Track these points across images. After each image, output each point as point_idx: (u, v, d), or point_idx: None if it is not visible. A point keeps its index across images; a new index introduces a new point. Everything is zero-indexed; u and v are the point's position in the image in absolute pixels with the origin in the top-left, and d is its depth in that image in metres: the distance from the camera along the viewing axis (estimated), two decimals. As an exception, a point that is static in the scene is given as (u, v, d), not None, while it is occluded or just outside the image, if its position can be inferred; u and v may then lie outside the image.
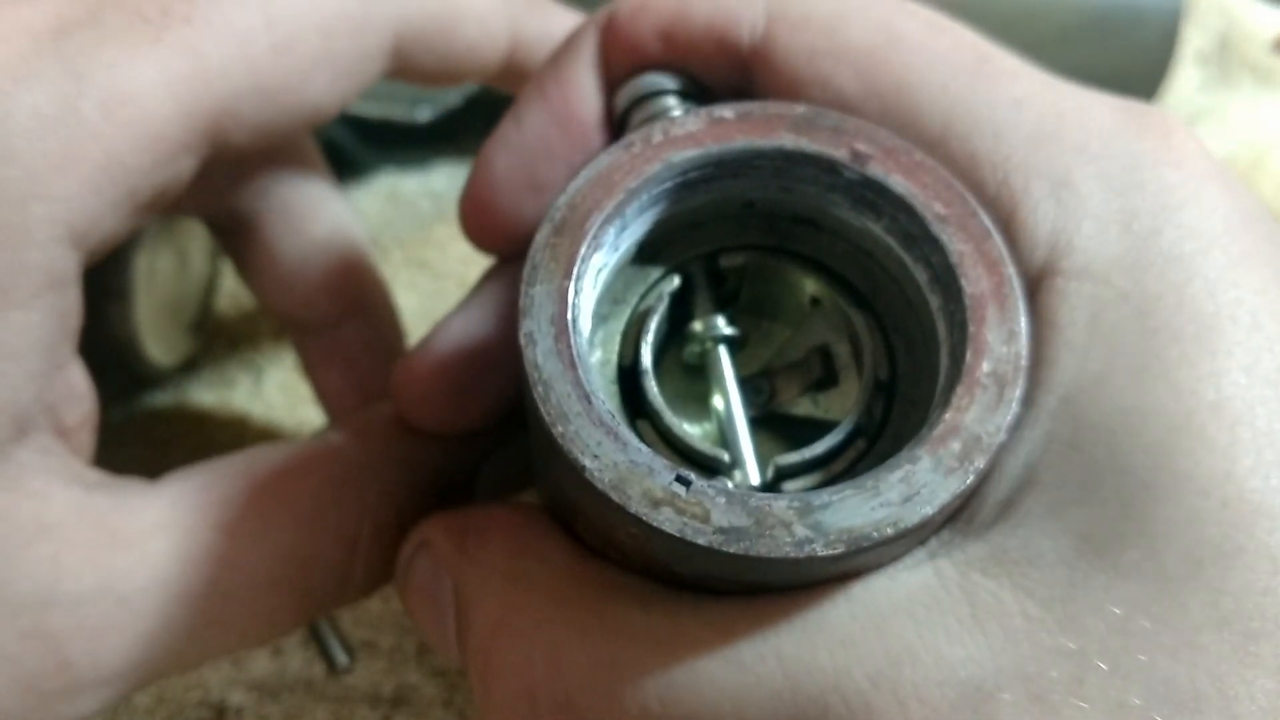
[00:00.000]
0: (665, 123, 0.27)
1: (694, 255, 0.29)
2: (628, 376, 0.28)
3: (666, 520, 0.23)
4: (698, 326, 0.28)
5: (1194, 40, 0.77)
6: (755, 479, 0.26)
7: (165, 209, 0.33)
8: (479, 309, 0.32)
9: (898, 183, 0.26)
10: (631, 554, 0.26)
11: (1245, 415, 0.24)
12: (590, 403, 0.24)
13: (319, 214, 0.40)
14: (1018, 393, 0.24)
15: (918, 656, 0.23)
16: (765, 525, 0.23)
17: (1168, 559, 0.23)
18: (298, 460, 0.33)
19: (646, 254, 0.29)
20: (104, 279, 0.46)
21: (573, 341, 0.25)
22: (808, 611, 0.24)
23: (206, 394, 0.53)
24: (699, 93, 0.30)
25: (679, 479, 0.23)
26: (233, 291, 0.58)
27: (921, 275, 0.26)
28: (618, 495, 0.23)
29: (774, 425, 0.28)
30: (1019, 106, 0.27)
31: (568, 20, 0.39)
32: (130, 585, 0.30)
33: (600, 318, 0.28)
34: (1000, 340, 0.24)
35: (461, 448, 0.34)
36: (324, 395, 0.42)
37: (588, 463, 0.23)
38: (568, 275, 0.25)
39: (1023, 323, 0.25)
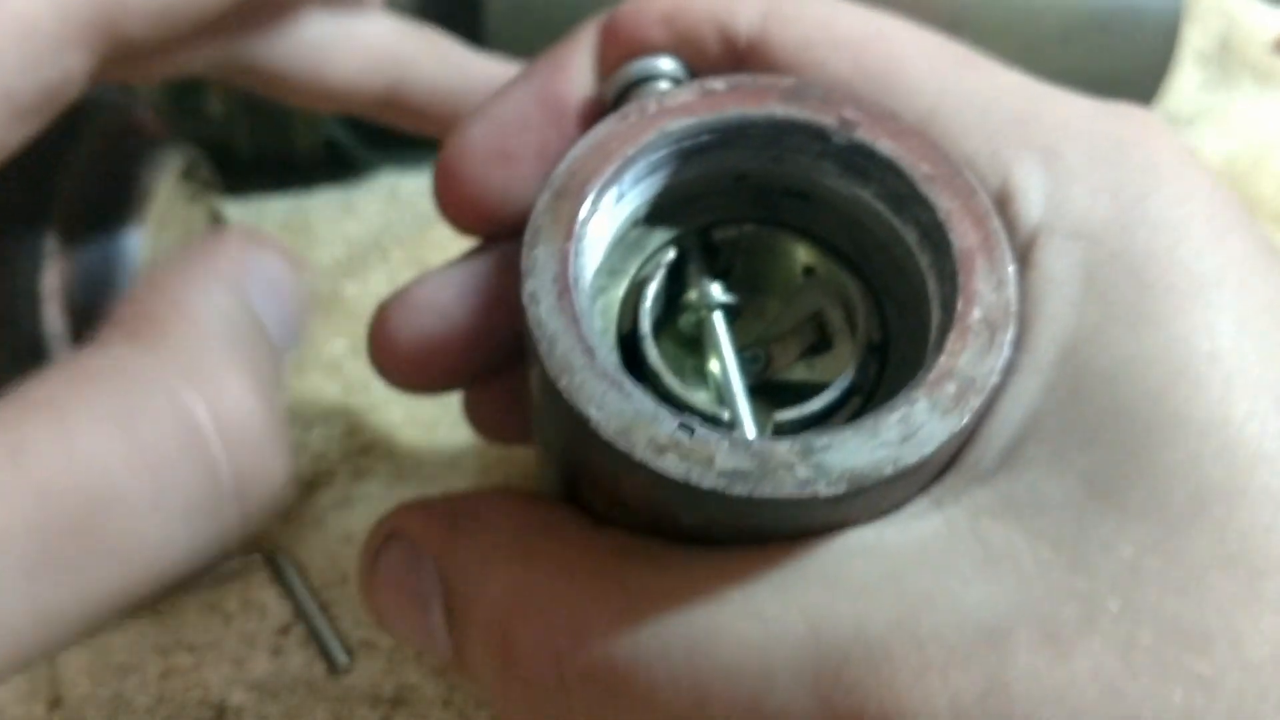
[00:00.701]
0: (659, 95, 0.28)
1: (689, 229, 0.30)
2: (627, 344, 0.28)
3: (672, 465, 0.23)
4: (693, 295, 0.29)
5: (1194, 40, 0.77)
6: (754, 436, 0.27)
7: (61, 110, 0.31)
8: (464, 270, 0.32)
9: (885, 146, 0.27)
10: (639, 508, 0.26)
11: (1239, 365, 0.25)
12: (593, 356, 0.25)
13: (350, 40, 0.39)
14: (1009, 336, 0.25)
15: (934, 601, 0.24)
16: (768, 467, 0.23)
17: (1173, 500, 0.24)
18: None
19: (643, 225, 0.29)
20: (104, 278, 0.46)
21: (575, 299, 0.25)
22: (825, 563, 0.25)
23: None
24: (691, 80, 0.31)
25: (683, 425, 0.24)
26: (232, 291, 0.58)
27: (911, 236, 0.27)
28: (623, 443, 0.24)
29: (771, 392, 0.29)
30: (1004, 90, 0.29)
31: (481, 68, 0.40)
32: None
33: (598, 288, 0.29)
34: (990, 288, 0.25)
35: None
36: None
37: (593, 413, 0.24)
38: (569, 237, 0.26)
39: (1010, 272, 0.26)
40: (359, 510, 0.48)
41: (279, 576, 0.45)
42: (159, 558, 0.25)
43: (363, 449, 0.51)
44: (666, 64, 0.30)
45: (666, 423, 0.24)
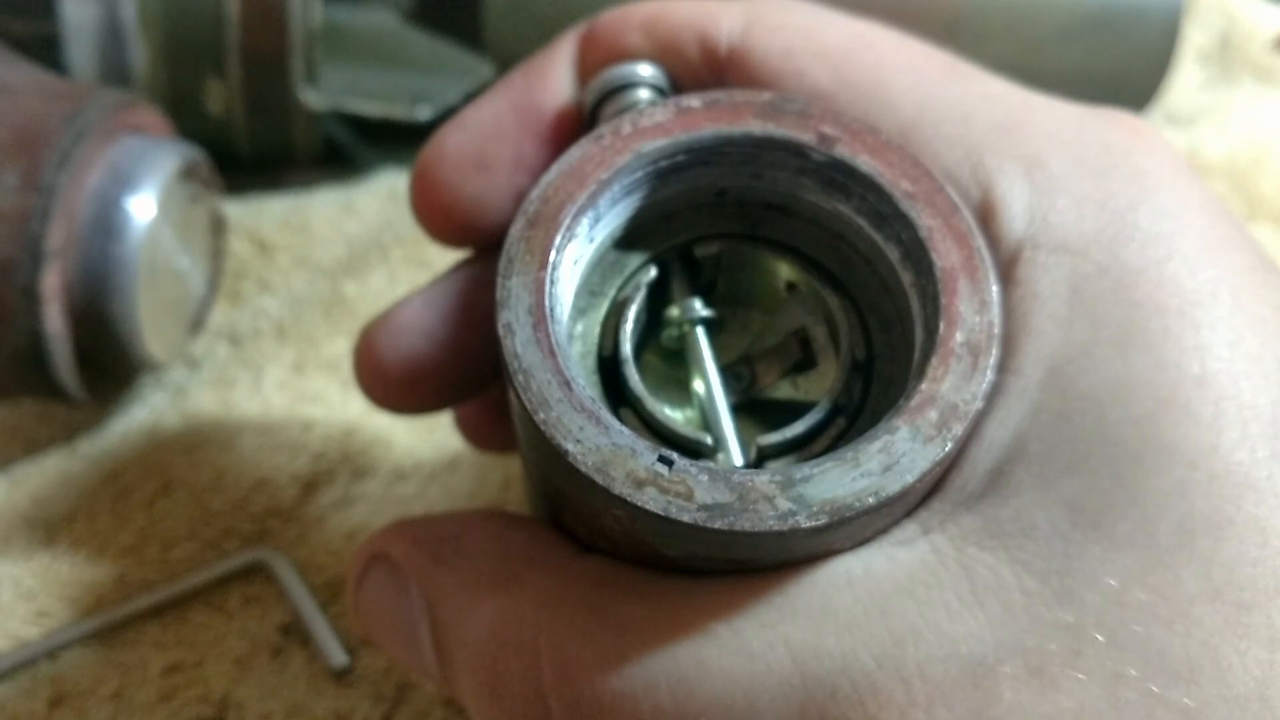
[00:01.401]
0: (634, 114, 0.27)
1: (669, 246, 0.29)
2: (608, 367, 0.28)
3: (651, 500, 0.23)
4: (674, 311, 0.29)
5: (1195, 39, 0.77)
6: (738, 460, 0.27)
7: None
8: (443, 293, 0.32)
9: (865, 163, 0.26)
10: (619, 540, 0.26)
11: (1230, 390, 0.24)
12: (570, 389, 0.24)
13: None
14: (992, 360, 0.25)
15: (920, 635, 0.24)
16: (748, 500, 0.23)
17: (1160, 530, 0.23)
18: None
19: (622, 246, 0.29)
20: (105, 278, 0.46)
21: (551, 330, 0.25)
22: (810, 595, 0.25)
23: (206, 393, 0.53)
24: (670, 89, 0.30)
25: (662, 459, 0.24)
26: (232, 290, 0.58)
27: (893, 253, 0.27)
28: (602, 478, 0.24)
29: (756, 410, 0.29)
30: (988, 100, 0.28)
31: None
32: None
33: (578, 310, 0.28)
34: (972, 310, 0.25)
35: None
36: None
37: (571, 447, 0.24)
38: (543, 266, 0.26)
39: (994, 293, 0.25)
40: (359, 509, 0.49)
41: (279, 575, 0.46)
42: None
43: (362, 448, 0.51)
44: (645, 70, 0.30)
45: (645, 456, 0.24)
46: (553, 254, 0.26)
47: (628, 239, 0.29)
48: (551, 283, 0.26)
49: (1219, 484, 0.24)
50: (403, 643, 0.30)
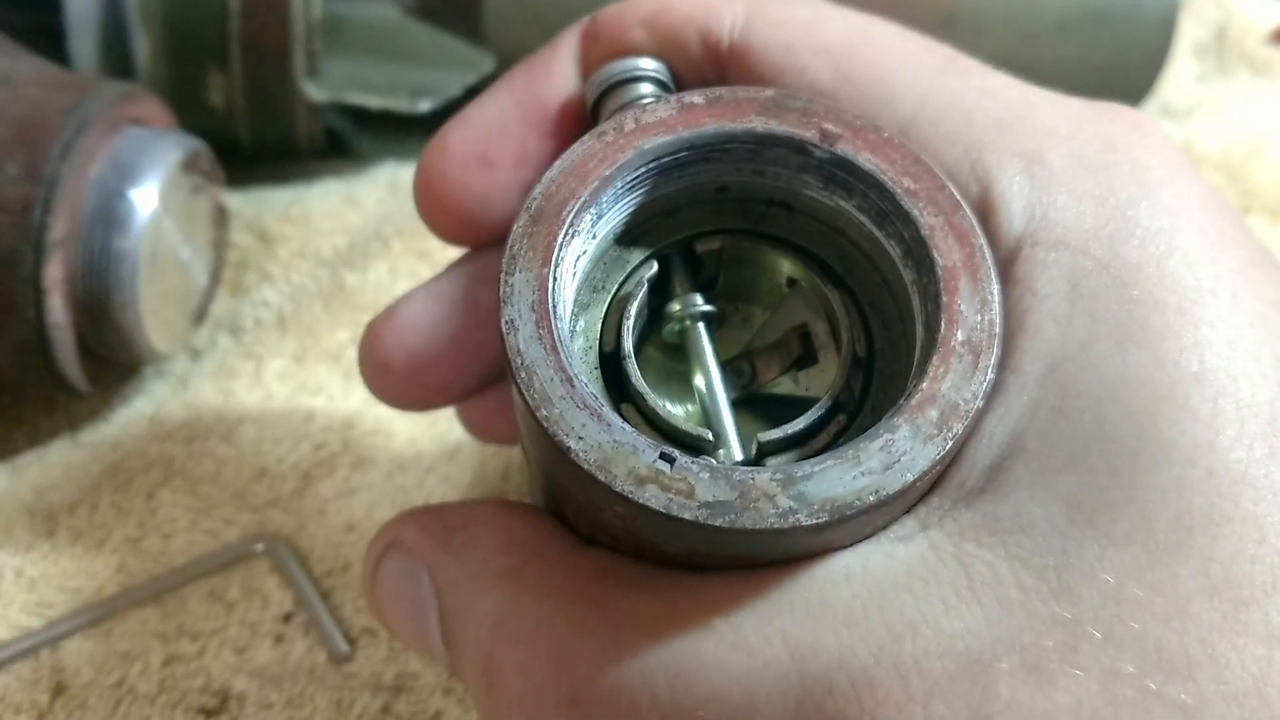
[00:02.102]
0: (637, 110, 0.27)
1: (671, 241, 0.29)
2: (610, 362, 0.28)
3: (652, 497, 0.23)
4: (675, 306, 0.28)
5: (1191, 32, 0.77)
6: (739, 456, 0.26)
7: None
8: (446, 289, 0.31)
9: (867, 160, 0.26)
10: (620, 535, 0.26)
11: (1228, 387, 0.24)
12: (573, 385, 0.24)
13: None
14: (993, 359, 0.24)
15: (918, 630, 0.23)
16: (749, 498, 0.23)
17: (1158, 527, 0.23)
18: None
19: (624, 241, 0.29)
20: (107, 269, 0.46)
21: (554, 327, 0.25)
22: (808, 590, 0.24)
23: (208, 384, 0.53)
24: (673, 83, 0.30)
25: (663, 456, 0.23)
26: (233, 281, 0.58)
27: (894, 250, 0.27)
28: (603, 475, 0.23)
29: (757, 405, 0.29)
30: (988, 95, 0.28)
31: None
32: None
33: (581, 306, 0.28)
34: (973, 309, 0.25)
35: None
36: None
37: (573, 444, 0.24)
38: (546, 262, 0.26)
39: (995, 291, 0.25)
40: (360, 499, 0.48)
41: (280, 565, 0.46)
42: None
43: (363, 438, 0.51)
44: (647, 64, 0.30)
45: (647, 453, 0.23)
46: (555, 251, 0.26)
47: (630, 235, 0.29)
48: (554, 279, 0.26)
49: (1216, 481, 0.23)
50: (413, 628, 0.30)
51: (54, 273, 0.45)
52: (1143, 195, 0.26)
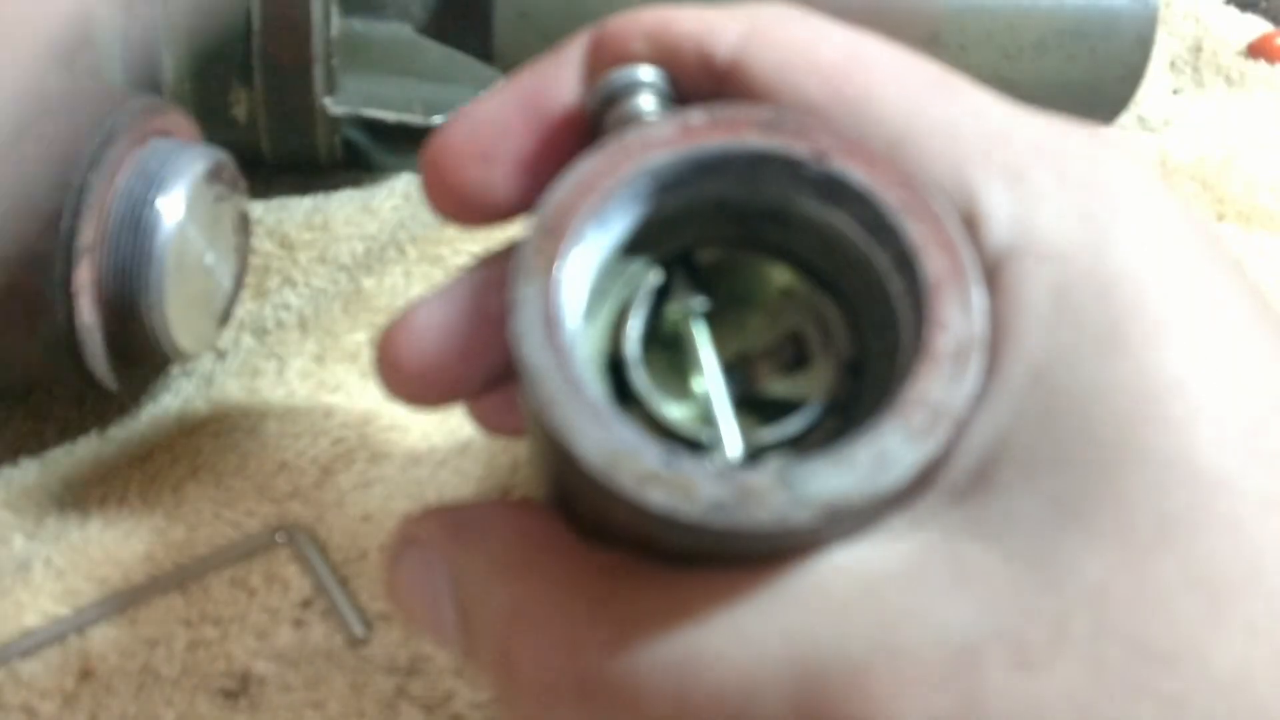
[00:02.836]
0: (640, 128, 0.27)
1: (672, 251, 0.29)
2: (614, 367, 0.28)
3: (654, 498, 0.23)
4: (675, 309, 0.28)
5: (1168, 46, 0.76)
6: (738, 457, 0.26)
7: None
8: (458, 292, 0.31)
9: (858, 175, 0.26)
10: (626, 532, 0.26)
11: (1206, 394, 0.24)
12: (579, 390, 0.24)
13: None
14: (977, 364, 0.24)
15: (910, 620, 0.23)
16: (747, 497, 0.23)
17: (1140, 525, 0.23)
18: None
19: (628, 252, 0.29)
20: (135, 273, 0.46)
21: (560, 334, 0.25)
22: (804, 583, 0.24)
23: (232, 382, 0.53)
24: (673, 93, 0.30)
25: (665, 458, 0.23)
26: (256, 285, 0.58)
27: (884, 261, 0.27)
28: (608, 477, 0.23)
29: (754, 407, 0.29)
30: (974, 115, 0.28)
31: None
32: None
33: (586, 313, 0.28)
34: (959, 316, 0.25)
35: None
36: None
37: (578, 447, 0.23)
38: (553, 272, 0.25)
39: (981, 299, 0.25)
40: (376, 491, 0.48)
41: (300, 553, 0.45)
42: None
43: (379, 434, 0.50)
44: (648, 74, 0.30)
45: (650, 455, 0.23)
46: (562, 261, 0.26)
47: (633, 246, 0.29)
48: (561, 289, 0.25)
49: (1196, 483, 0.23)
50: (431, 620, 0.30)
51: (83, 276, 0.44)
52: (1122, 211, 0.26)
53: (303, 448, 0.49)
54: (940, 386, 0.24)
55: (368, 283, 0.57)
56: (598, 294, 0.29)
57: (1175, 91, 0.75)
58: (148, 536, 0.46)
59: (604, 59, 0.30)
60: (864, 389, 0.28)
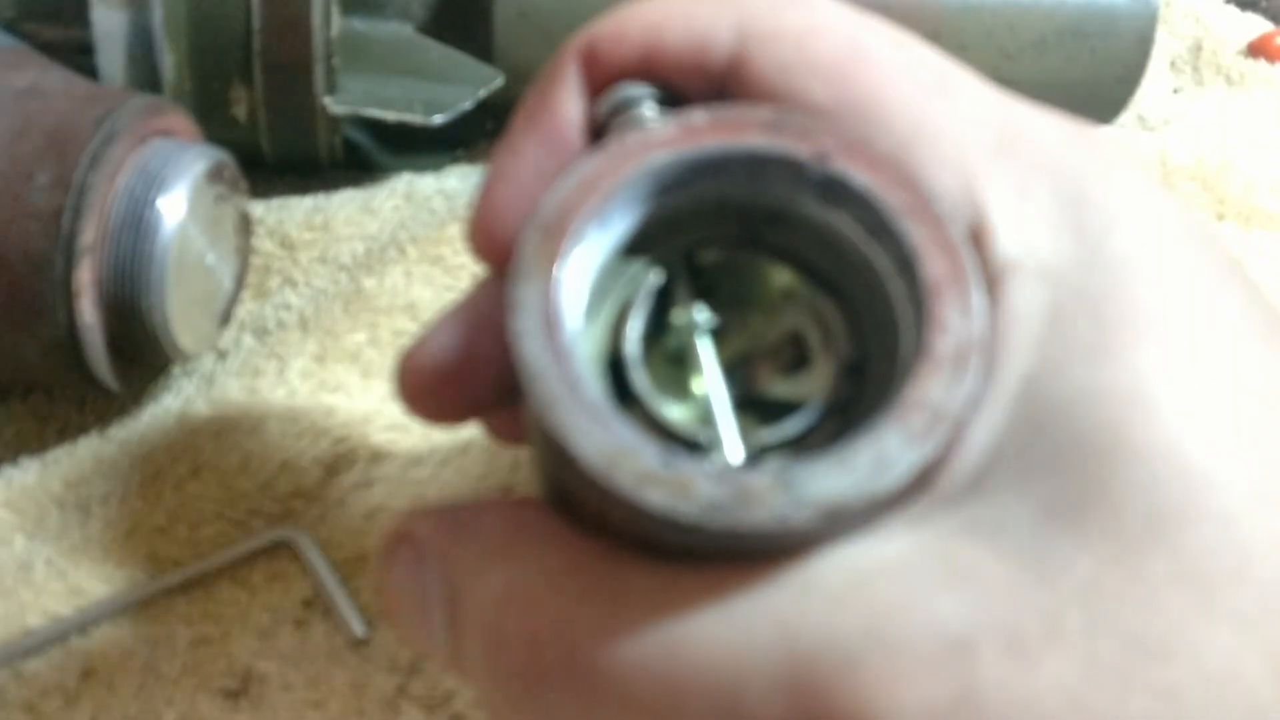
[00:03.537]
0: (641, 129, 0.27)
1: (673, 251, 0.29)
2: (614, 367, 0.28)
3: (653, 498, 0.23)
4: (678, 317, 0.29)
5: (1168, 46, 0.77)
6: (737, 458, 0.26)
7: None
8: (469, 310, 0.32)
9: (859, 177, 0.26)
10: (624, 532, 0.26)
11: (1193, 394, 0.24)
12: (579, 391, 0.24)
13: None
14: (976, 366, 0.24)
15: (904, 612, 0.23)
16: (746, 498, 0.23)
17: (1130, 522, 0.23)
18: None
19: (629, 251, 0.29)
20: (136, 273, 0.46)
21: (560, 335, 0.25)
22: (799, 575, 0.24)
23: (233, 382, 0.53)
24: (677, 102, 0.30)
25: (664, 458, 0.23)
26: (257, 285, 0.58)
27: (885, 263, 0.27)
28: (607, 477, 0.23)
29: (753, 408, 0.29)
30: (978, 122, 0.28)
31: None
32: None
33: (586, 314, 0.28)
34: (959, 319, 0.25)
35: None
36: None
37: (577, 447, 0.24)
38: (553, 273, 0.26)
39: (980, 302, 0.25)
40: (378, 490, 0.48)
41: (301, 553, 0.45)
42: None
43: (380, 433, 0.51)
44: (650, 88, 0.30)
45: (649, 456, 0.23)
46: (562, 261, 0.26)
47: (633, 246, 0.29)
48: (562, 289, 0.26)
49: (1185, 479, 0.23)
50: (419, 619, 0.30)
51: (84, 276, 0.45)
52: (1112, 227, 0.26)
53: (304, 447, 0.49)
54: (939, 388, 0.24)
55: (368, 283, 0.57)
56: (598, 294, 0.29)
57: (1175, 91, 0.75)
58: (149, 536, 0.46)
59: (600, 77, 0.30)
60: (864, 390, 0.28)
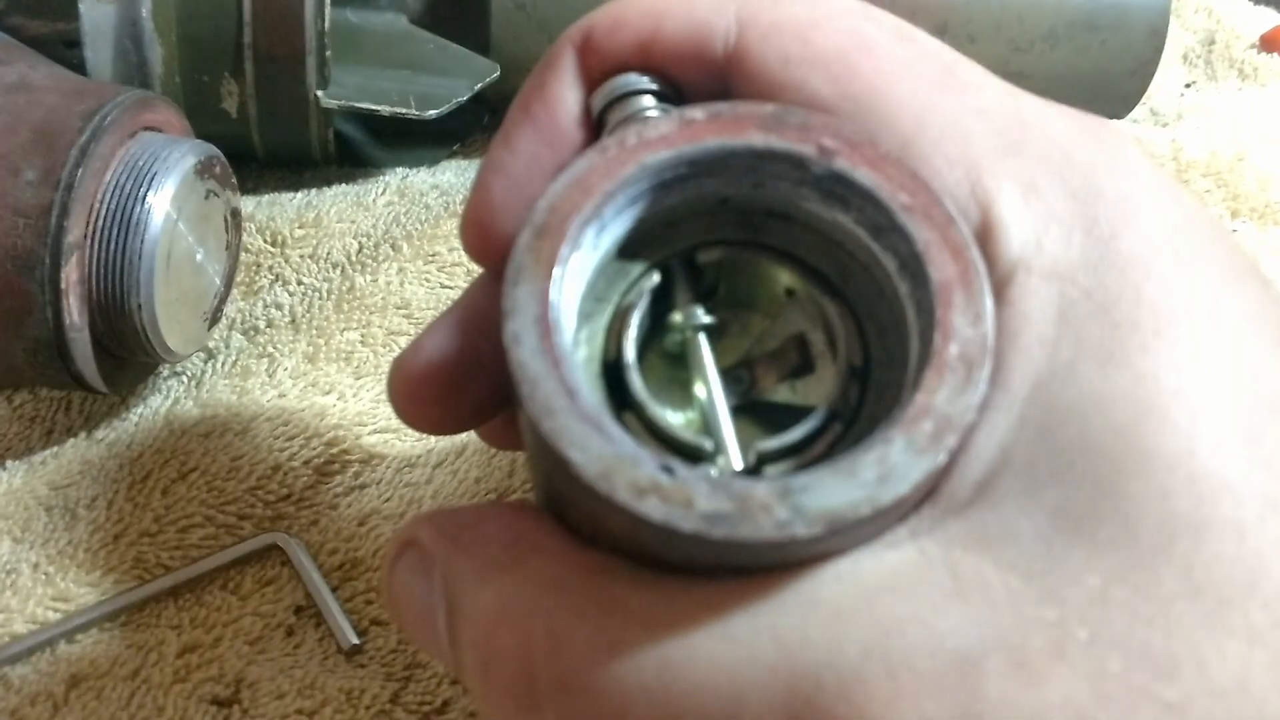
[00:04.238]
0: (639, 125, 0.27)
1: (672, 252, 0.29)
2: (612, 371, 0.28)
3: (652, 508, 0.23)
4: (677, 317, 0.28)
5: (1180, 39, 0.76)
6: (738, 465, 0.26)
7: None
8: (464, 314, 0.32)
9: (863, 175, 0.26)
10: (622, 541, 0.26)
11: (1204, 400, 0.24)
12: (574, 398, 0.24)
13: None
14: (985, 373, 0.24)
15: (906, 629, 0.23)
16: (747, 509, 0.23)
17: (1141, 532, 0.23)
18: None
19: (626, 252, 0.29)
20: (123, 271, 0.46)
21: (556, 340, 0.24)
22: (799, 589, 0.24)
23: (222, 383, 0.53)
24: (675, 94, 0.30)
25: (663, 468, 0.23)
26: (247, 283, 0.58)
27: (890, 264, 0.26)
28: (604, 486, 0.23)
29: (754, 413, 0.28)
30: (985, 117, 0.28)
31: None
32: None
33: (583, 316, 0.28)
34: (967, 323, 0.24)
35: None
36: None
37: (574, 455, 0.23)
38: (549, 276, 0.25)
39: (988, 306, 0.25)
40: (370, 494, 0.48)
41: (293, 559, 0.45)
42: None
43: (373, 435, 0.51)
44: (648, 80, 0.30)
45: (647, 465, 0.23)
46: (559, 264, 0.25)
47: (632, 246, 0.29)
48: (557, 292, 0.25)
49: (1198, 487, 0.23)
50: (423, 626, 0.30)
51: (71, 275, 0.45)
52: (1124, 225, 0.26)
53: (295, 450, 0.49)
54: (947, 396, 0.24)
55: (361, 280, 0.57)
56: (595, 298, 0.28)
57: (1188, 85, 0.75)
58: (137, 540, 0.46)
59: (598, 68, 0.30)
60: (868, 395, 0.27)
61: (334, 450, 0.50)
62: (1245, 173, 0.64)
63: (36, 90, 0.47)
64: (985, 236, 0.26)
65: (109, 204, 0.46)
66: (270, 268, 0.58)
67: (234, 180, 0.52)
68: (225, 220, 0.52)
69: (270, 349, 0.54)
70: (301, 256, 0.59)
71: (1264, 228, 0.62)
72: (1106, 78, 0.68)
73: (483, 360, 0.31)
